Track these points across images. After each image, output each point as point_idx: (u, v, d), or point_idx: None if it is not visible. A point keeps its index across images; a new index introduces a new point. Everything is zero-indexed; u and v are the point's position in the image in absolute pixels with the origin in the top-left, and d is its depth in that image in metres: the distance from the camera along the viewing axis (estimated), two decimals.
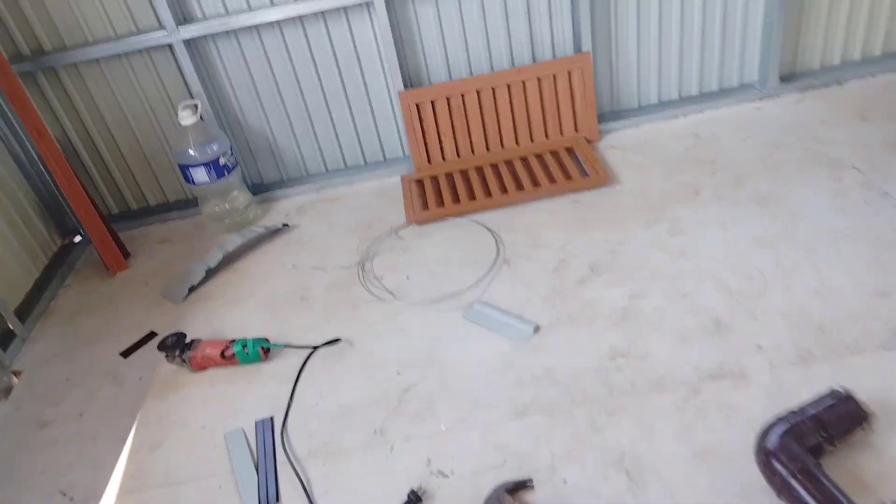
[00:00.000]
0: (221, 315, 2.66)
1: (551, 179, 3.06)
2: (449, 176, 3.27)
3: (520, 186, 3.06)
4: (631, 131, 3.38)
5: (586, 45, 3.18)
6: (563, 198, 2.99)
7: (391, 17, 3.07)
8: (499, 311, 2.41)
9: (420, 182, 3.28)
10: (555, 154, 3.26)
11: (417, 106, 3.24)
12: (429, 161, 3.36)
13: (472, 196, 3.07)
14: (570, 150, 3.28)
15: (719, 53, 3.36)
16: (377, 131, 3.44)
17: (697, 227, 2.66)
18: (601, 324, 2.30)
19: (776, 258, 2.42)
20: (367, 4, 3.04)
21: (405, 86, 3.24)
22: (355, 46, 3.18)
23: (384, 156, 3.51)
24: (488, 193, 3.06)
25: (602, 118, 3.43)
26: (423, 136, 3.31)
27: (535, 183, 3.07)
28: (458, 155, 3.36)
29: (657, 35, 3.27)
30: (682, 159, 3.07)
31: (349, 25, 3.12)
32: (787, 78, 3.40)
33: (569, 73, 3.23)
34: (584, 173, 3.08)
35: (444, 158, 3.36)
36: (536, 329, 2.31)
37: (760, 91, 3.38)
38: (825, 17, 3.29)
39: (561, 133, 3.34)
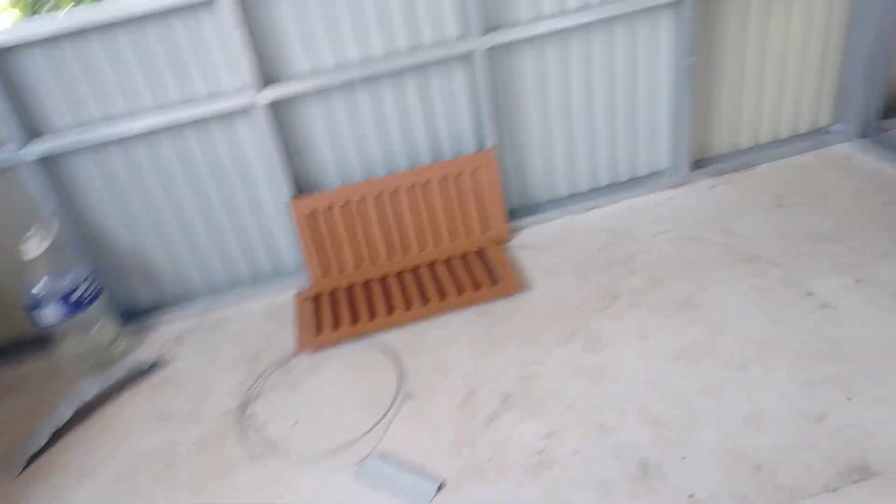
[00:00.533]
0: (65, 494, 2.20)
1: (459, 290, 2.79)
2: (349, 289, 2.96)
3: (425, 300, 2.77)
4: (543, 227, 3.16)
5: (490, 141, 2.98)
6: (472, 310, 2.71)
7: (276, 122, 2.80)
8: (397, 466, 2.06)
9: (316, 299, 2.95)
10: (463, 259, 3.00)
11: (311, 214, 2.94)
12: (326, 273, 3.05)
13: (372, 314, 2.76)
14: (479, 254, 3.03)
15: (628, 143, 3.22)
16: (267, 244, 3.12)
17: (616, 340, 2.41)
18: (514, 476, 1.98)
19: (703, 377, 2.18)
20: (247, 110, 2.76)
21: (296, 193, 2.95)
22: (236, 154, 2.88)
23: (276, 270, 3.18)
24: (391, 310, 2.76)
25: (512, 214, 3.21)
26: (319, 247, 3.00)
27: (443, 295, 2.78)
28: (358, 265, 3.06)
29: (563, 126, 3.10)
30: (596, 258, 2.86)
31: (228, 132, 2.83)
32: (698, 163, 3.27)
33: (473, 171, 3.01)
34: (493, 281, 2.82)
35: (343, 269, 3.06)
36: (440, 487, 1.97)
37: (672, 178, 3.24)
38: (733, 102, 3.21)
39: (469, 235, 3.10)
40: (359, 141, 2.96)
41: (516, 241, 3.10)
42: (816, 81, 3.24)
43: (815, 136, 3.33)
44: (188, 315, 3.05)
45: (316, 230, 2.98)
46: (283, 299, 3.03)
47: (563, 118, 3.08)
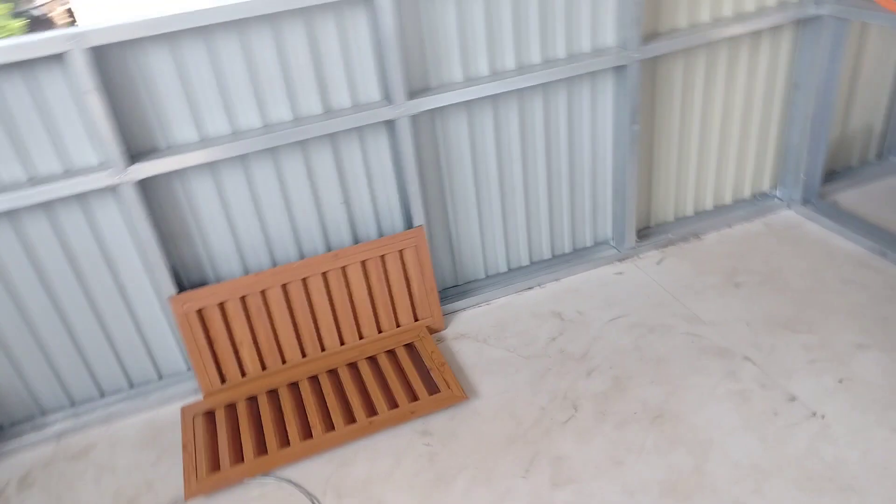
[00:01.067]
0: None
1: (390, 402, 2.31)
2: (251, 401, 2.40)
3: (349, 417, 2.27)
4: (481, 311, 2.74)
5: (418, 219, 2.53)
6: (407, 426, 2.24)
7: (147, 202, 2.22)
8: None
9: (210, 415, 2.37)
10: (392, 357, 2.52)
11: (200, 312, 2.36)
12: (222, 380, 2.46)
13: (283, 439, 2.22)
14: (410, 349, 2.56)
15: (570, 213, 2.88)
16: (146, 346, 2.50)
17: (587, 467, 2.02)
18: None
19: None
20: (112, 189, 2.16)
21: (179, 287, 2.36)
22: (100, 242, 2.26)
23: (159, 373, 2.56)
24: (306, 433, 2.23)
25: (446, 297, 2.77)
26: (212, 350, 2.42)
27: (370, 409, 2.29)
28: (263, 367, 2.50)
29: (499, 199, 2.72)
30: (547, 352, 2.47)
31: (88, 215, 2.21)
32: (643, 233, 2.99)
33: (400, 252, 2.55)
34: (431, 387, 2.35)
35: (243, 374, 2.49)
36: None
37: (618, 251, 2.93)
38: (675, 170, 2.95)
39: (397, 324, 2.63)
40: (261, 222, 2.43)
41: (452, 330, 2.67)
42: (760, 146, 3.06)
43: (760, 202, 3.15)
44: (41, 441, 2.37)
45: (205, 330, 2.40)
46: (166, 414, 2.42)
47: (499, 188, 2.69)
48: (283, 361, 2.52)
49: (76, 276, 2.28)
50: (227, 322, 2.42)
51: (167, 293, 2.32)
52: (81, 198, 2.18)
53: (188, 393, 2.48)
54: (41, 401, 2.44)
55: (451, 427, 2.22)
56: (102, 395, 2.51)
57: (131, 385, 2.54)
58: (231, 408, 2.39)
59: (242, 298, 2.41)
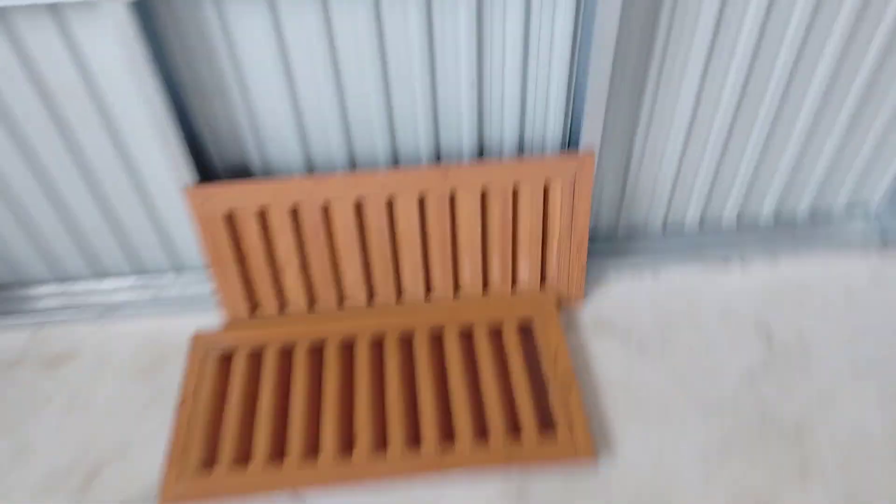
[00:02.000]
0: None
1: (479, 425, 1.50)
2: (285, 356, 1.66)
3: (415, 434, 1.50)
4: (645, 286, 1.80)
5: (589, 138, 1.51)
6: (496, 476, 1.46)
7: (155, 27, 1.31)
8: None
9: (227, 360, 1.65)
10: (495, 338, 1.67)
11: (230, 217, 1.55)
12: (252, 309, 1.72)
13: (313, 442, 1.49)
14: (526, 332, 1.70)
15: (834, 154, 1.76)
16: (158, 231, 1.76)
17: None
18: None
19: None
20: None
21: (204, 174, 1.53)
22: (85, 73, 1.41)
23: (175, 264, 1.84)
24: (346, 442, 1.49)
25: (593, 251, 1.83)
26: (242, 268, 1.64)
27: (447, 429, 1.50)
28: (310, 306, 1.72)
29: (731, 115, 1.63)
30: (738, 404, 1.55)
31: (67, 39, 1.34)
32: None
33: (547, 183, 1.58)
34: (543, 417, 1.52)
35: (282, 307, 1.73)
36: None
37: (883, 233, 1.84)
38: None
39: (514, 280, 1.74)
40: (336, 86, 1.48)
41: (593, 308, 1.76)
42: None
43: None
44: (8, 326, 1.77)
45: (235, 241, 1.60)
46: (177, 329, 1.73)
47: (737, 97, 1.59)
48: (341, 304, 1.72)
49: (49, 112, 1.48)
50: (268, 237, 1.61)
51: (182, 181, 1.49)
52: (54, 9, 1.29)
53: (211, 304, 1.77)
54: (19, 265, 1.80)
55: (563, 501, 1.42)
56: (99, 276, 1.84)
57: (138, 271, 1.84)
58: (256, 357, 1.66)
59: (294, 209, 1.56)
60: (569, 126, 1.57)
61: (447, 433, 1.49)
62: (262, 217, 1.58)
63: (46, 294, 1.83)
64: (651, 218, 1.84)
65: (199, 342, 1.68)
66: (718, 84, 1.55)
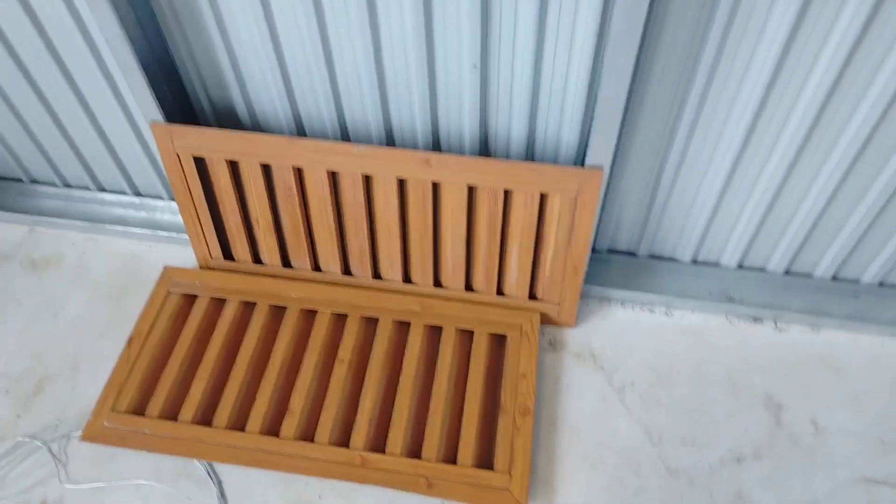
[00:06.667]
0: None
1: (414, 440, 1.38)
2: (246, 308, 1.59)
3: (345, 430, 1.40)
4: (651, 320, 1.57)
5: (599, 156, 1.26)
6: (415, 500, 1.35)
7: None
8: None
9: (190, 300, 1.61)
10: (464, 339, 1.52)
11: (202, 162, 1.45)
12: (227, 257, 1.65)
13: (245, 410, 1.43)
14: (500, 341, 1.53)
15: None
16: (125, 161, 1.70)
17: None
18: None
19: None
20: None
21: (185, 113, 1.42)
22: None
23: (168, 189, 1.79)
24: (278, 415, 1.42)
25: (598, 272, 1.60)
26: (214, 208, 1.56)
27: (377, 438, 1.39)
28: (284, 266, 1.63)
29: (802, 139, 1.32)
30: (717, 490, 1.34)
31: None
32: None
33: (543, 197, 1.35)
34: (485, 447, 1.38)
35: (257, 262, 1.64)
36: None
37: None
38: None
39: (499, 291, 1.55)
40: (323, 47, 1.31)
41: (582, 333, 1.56)
42: None
43: None
44: (13, 221, 1.82)
45: (207, 182, 1.51)
46: (158, 256, 1.71)
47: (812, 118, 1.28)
48: (316, 272, 1.62)
49: (44, 42, 1.41)
50: (240, 189, 1.51)
51: (148, 115, 1.39)
52: None
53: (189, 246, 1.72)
54: (25, 165, 1.81)
55: None
56: (99, 188, 1.82)
57: (136, 192, 1.81)
58: (217, 305, 1.60)
59: (266, 165, 1.44)
60: (586, 135, 1.32)
61: (380, 437, 1.38)
62: (235, 169, 1.47)
63: (50, 194, 1.84)
64: (680, 249, 1.58)
65: (167, 277, 1.64)
66: (781, 115, 1.24)
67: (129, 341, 1.53)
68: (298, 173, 1.44)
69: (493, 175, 1.32)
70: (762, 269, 1.58)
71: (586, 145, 1.31)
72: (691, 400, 1.45)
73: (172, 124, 1.40)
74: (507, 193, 1.36)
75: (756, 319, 1.55)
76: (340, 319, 1.56)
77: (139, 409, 1.44)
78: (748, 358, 1.50)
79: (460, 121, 1.37)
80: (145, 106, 1.38)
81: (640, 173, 1.40)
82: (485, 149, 1.43)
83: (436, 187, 1.39)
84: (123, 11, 1.22)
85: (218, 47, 1.35)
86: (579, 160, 1.38)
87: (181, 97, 1.44)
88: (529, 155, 1.42)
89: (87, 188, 1.82)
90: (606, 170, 1.27)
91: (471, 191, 1.38)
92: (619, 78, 1.12)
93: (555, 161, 1.41)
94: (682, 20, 1.12)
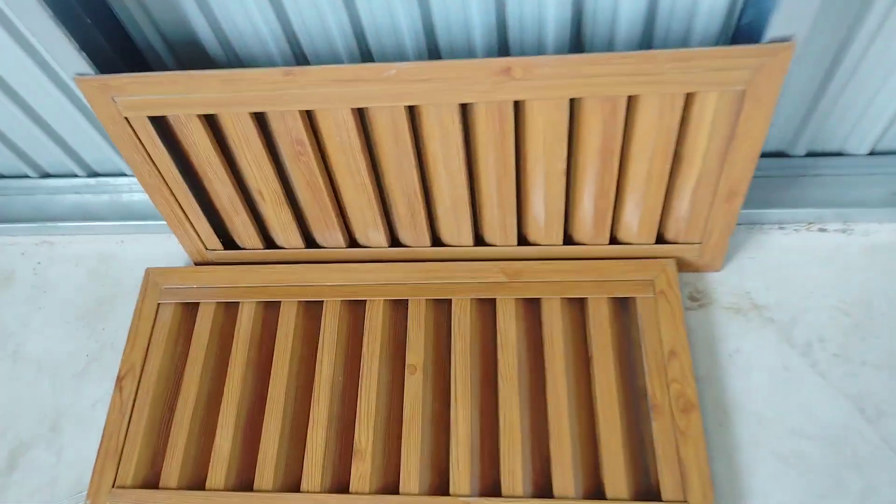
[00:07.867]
0: None
1: (542, 461, 0.99)
2: (269, 307, 1.16)
3: (436, 463, 1.01)
4: (827, 240, 1.13)
5: (788, 24, 0.77)
6: None
7: None
8: None
9: (191, 311, 1.18)
10: (575, 314, 1.09)
11: (163, 122, 0.98)
12: (228, 242, 1.20)
13: (296, 465, 1.04)
14: (620, 310, 1.10)
15: None
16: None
17: None
18: None
19: None
20: None
21: (109, 66, 0.93)
22: None
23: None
24: (344, 460, 1.03)
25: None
26: (200, 193, 1.10)
27: (491, 448, 1.00)
28: (307, 240, 1.18)
29: None
30: None
31: None
32: None
33: (701, 92, 0.87)
34: (639, 454, 0.98)
35: (270, 241, 1.20)
36: None
37: None
38: None
39: (613, 238, 1.11)
40: None
41: (729, 285, 1.12)
42: None
43: None
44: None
45: (184, 155, 1.04)
46: (139, 251, 1.28)
47: None
48: (352, 246, 1.17)
49: None
50: (227, 153, 1.04)
51: (70, 67, 0.91)
52: None
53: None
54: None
55: None
56: (43, 174, 1.36)
57: (90, 172, 1.34)
58: (231, 310, 1.17)
59: (258, 115, 0.96)
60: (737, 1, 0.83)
61: (489, 474, 0.99)
62: (213, 123, 0.99)
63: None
64: (854, 139, 1.11)
65: (152, 282, 1.20)
66: None
67: (119, 381, 1.11)
68: (308, 118, 0.96)
69: (611, 77, 0.84)
70: None
71: (738, 19, 0.82)
72: None
73: (108, 75, 0.91)
74: (630, 101, 0.89)
75: None
76: (398, 308, 1.14)
77: (151, 480, 1.05)
78: None
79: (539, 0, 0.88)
80: (63, 55, 0.89)
81: (815, 51, 0.92)
82: (577, 42, 0.94)
83: (517, 108, 0.92)
84: None
85: None
86: (726, 38, 0.89)
87: (119, 38, 0.95)
88: (646, 41, 0.93)
89: (25, 176, 1.36)
90: (801, 40, 0.79)
91: (572, 106, 0.90)
92: None
93: (683, 44, 0.92)
94: None
